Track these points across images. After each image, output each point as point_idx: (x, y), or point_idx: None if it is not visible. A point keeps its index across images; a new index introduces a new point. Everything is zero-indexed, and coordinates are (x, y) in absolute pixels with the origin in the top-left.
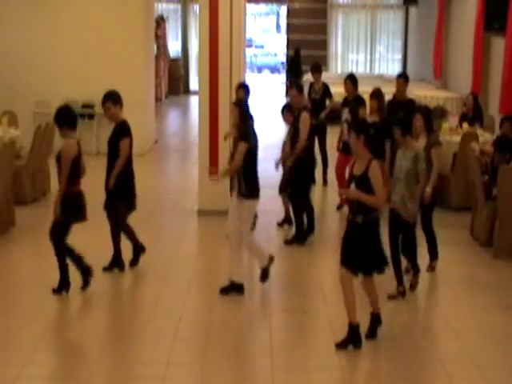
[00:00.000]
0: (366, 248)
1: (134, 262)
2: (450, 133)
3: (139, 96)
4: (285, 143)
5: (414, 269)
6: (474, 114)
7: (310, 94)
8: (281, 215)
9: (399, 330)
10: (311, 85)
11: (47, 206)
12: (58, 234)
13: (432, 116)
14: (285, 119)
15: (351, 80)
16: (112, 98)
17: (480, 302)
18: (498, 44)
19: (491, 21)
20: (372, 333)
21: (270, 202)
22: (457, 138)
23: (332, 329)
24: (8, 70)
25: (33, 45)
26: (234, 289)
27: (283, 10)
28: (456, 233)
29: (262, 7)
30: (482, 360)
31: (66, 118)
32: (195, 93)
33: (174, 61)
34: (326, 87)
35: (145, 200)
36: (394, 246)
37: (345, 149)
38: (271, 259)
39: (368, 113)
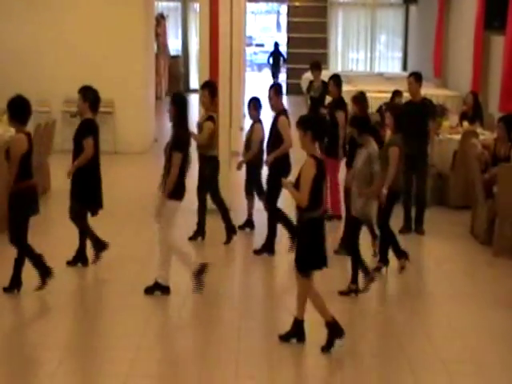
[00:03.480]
0: (301, 246)
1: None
2: (450, 131)
3: (139, 94)
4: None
5: (362, 270)
6: (474, 112)
7: (309, 91)
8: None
9: (399, 327)
10: (311, 83)
11: (47, 204)
12: (18, 233)
13: (400, 114)
14: (249, 113)
15: (334, 81)
16: (82, 92)
17: (480, 299)
18: (498, 42)
19: (491, 19)
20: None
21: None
22: (457, 137)
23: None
24: (8, 68)
25: (32, 43)
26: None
27: (283, 8)
28: (456, 231)
29: (263, 5)
30: (482, 358)
31: (21, 112)
32: (195, 91)
33: (174, 59)
34: (325, 85)
35: (144, 199)
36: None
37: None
38: (205, 266)
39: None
